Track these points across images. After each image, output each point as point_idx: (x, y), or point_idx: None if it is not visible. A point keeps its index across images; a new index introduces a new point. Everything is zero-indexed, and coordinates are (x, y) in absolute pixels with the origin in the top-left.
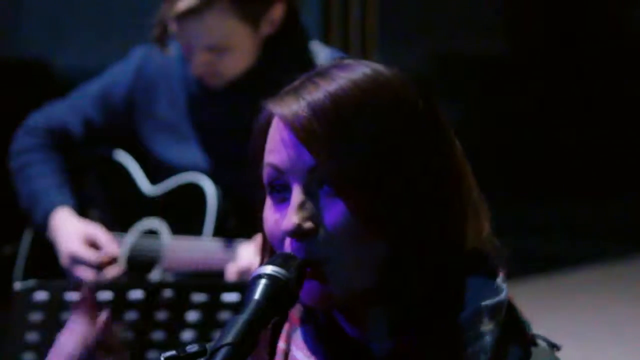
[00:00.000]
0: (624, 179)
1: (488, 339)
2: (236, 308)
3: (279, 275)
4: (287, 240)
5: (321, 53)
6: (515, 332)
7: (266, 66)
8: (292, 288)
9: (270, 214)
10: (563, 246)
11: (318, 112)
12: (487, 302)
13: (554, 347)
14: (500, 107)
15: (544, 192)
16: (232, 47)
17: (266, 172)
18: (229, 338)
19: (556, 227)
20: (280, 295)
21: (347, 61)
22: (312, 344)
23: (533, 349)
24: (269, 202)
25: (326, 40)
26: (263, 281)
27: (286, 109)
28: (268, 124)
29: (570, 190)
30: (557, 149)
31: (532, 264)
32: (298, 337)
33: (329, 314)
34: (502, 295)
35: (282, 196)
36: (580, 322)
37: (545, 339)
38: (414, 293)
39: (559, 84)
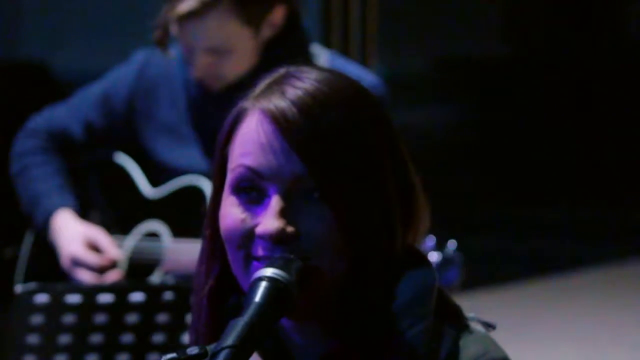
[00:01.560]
0: (623, 182)
1: (424, 323)
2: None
3: (279, 278)
4: (260, 243)
5: (321, 56)
6: (447, 315)
7: (266, 69)
8: (292, 290)
9: (233, 212)
10: (563, 248)
11: (307, 117)
12: (418, 290)
13: (489, 326)
14: (500, 109)
15: (544, 194)
16: (232, 50)
17: (238, 173)
18: (230, 340)
19: (555, 230)
20: (281, 297)
21: (308, 67)
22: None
23: (467, 332)
24: (232, 200)
25: (326, 43)
26: (263, 284)
27: (275, 110)
28: (238, 121)
29: (569, 193)
30: (557, 151)
31: (533, 266)
32: None
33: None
34: (432, 282)
35: (251, 197)
36: (579, 324)
37: (479, 320)
38: (367, 293)
39: (559, 86)
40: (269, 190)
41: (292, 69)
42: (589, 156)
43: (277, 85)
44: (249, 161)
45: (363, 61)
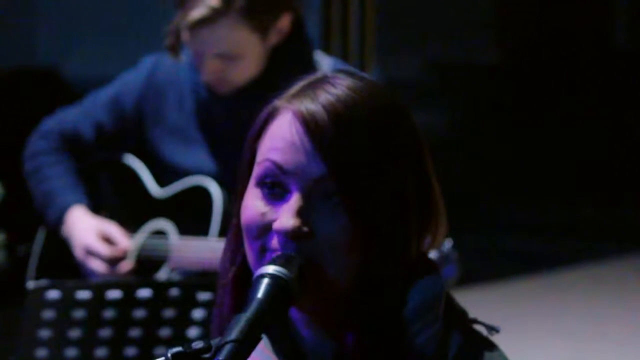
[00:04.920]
0: (611, 182)
1: (433, 329)
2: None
3: (280, 275)
4: (276, 236)
5: (324, 62)
6: (454, 320)
7: (273, 74)
8: (293, 287)
9: (255, 204)
10: (551, 246)
11: (336, 122)
12: (428, 295)
13: (492, 329)
14: (493, 113)
15: (534, 194)
16: (241, 56)
17: (264, 167)
18: (233, 335)
19: (544, 228)
20: (282, 294)
21: (342, 73)
22: (265, 346)
23: (476, 339)
24: (255, 192)
25: (327, 50)
26: (265, 280)
27: (306, 112)
28: (271, 118)
29: (558, 193)
30: (546, 152)
31: (522, 263)
32: None
33: (282, 318)
34: (440, 288)
35: (274, 192)
36: (567, 320)
37: (483, 323)
38: (379, 295)
39: (549, 91)
40: (291, 188)
41: (328, 74)
42: (577, 157)
43: (311, 88)
44: (276, 156)
45: (362, 67)
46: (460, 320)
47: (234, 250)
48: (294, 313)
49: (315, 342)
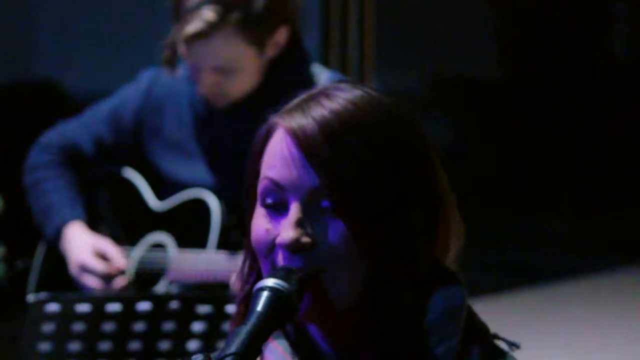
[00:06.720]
0: (609, 194)
1: (454, 340)
2: None
3: (280, 288)
4: (280, 252)
5: (322, 75)
6: (475, 333)
7: (270, 87)
8: (293, 300)
9: (261, 223)
10: (552, 259)
11: (328, 134)
12: (449, 307)
13: (512, 345)
14: (495, 127)
15: (534, 207)
16: (238, 69)
17: (263, 185)
18: (233, 348)
19: (545, 242)
20: (282, 307)
21: (346, 84)
22: (285, 350)
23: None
24: (260, 211)
25: (325, 63)
26: (265, 293)
27: (296, 127)
28: (268, 136)
29: (558, 206)
30: (545, 166)
31: (524, 276)
32: (269, 353)
33: (300, 329)
34: (462, 300)
35: (276, 208)
36: (568, 333)
37: (504, 339)
38: (392, 306)
39: (549, 106)
40: (289, 202)
41: (328, 86)
42: (576, 171)
43: (306, 102)
44: (273, 174)
45: (361, 80)
46: (481, 334)
47: (249, 269)
48: (311, 326)
49: (333, 355)
